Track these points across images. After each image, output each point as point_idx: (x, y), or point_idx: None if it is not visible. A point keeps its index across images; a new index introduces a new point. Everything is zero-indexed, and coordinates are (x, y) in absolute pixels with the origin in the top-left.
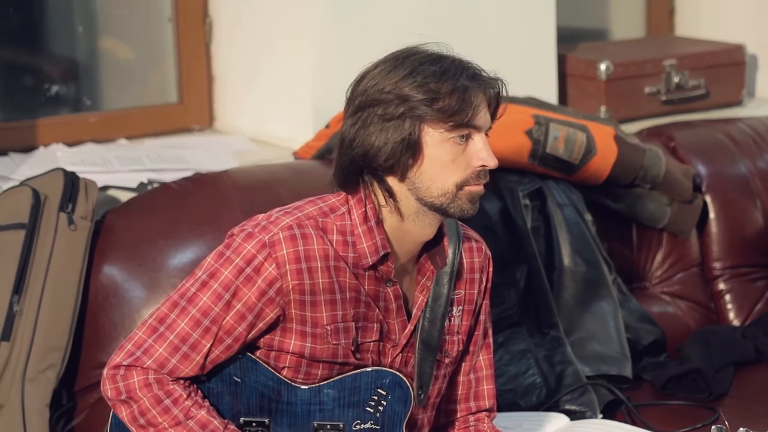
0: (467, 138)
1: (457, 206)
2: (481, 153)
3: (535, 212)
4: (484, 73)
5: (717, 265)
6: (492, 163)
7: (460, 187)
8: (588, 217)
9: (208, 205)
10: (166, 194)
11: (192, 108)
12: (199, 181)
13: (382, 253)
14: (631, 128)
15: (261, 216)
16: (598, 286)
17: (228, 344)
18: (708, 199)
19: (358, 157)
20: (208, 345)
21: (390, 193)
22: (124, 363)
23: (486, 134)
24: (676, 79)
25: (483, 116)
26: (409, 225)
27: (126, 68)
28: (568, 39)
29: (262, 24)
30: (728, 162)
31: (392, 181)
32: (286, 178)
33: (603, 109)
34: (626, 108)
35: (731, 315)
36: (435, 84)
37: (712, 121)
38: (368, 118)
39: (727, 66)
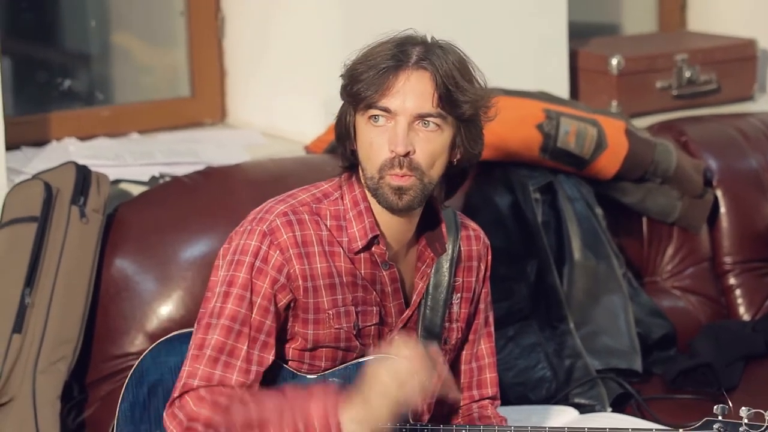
0: (386, 121)
1: (382, 195)
2: (391, 138)
3: (546, 206)
4: (426, 58)
5: (727, 259)
6: (399, 149)
7: (381, 174)
8: (598, 211)
9: (220, 198)
10: (178, 188)
11: (204, 102)
12: (211, 175)
13: (370, 235)
14: (642, 123)
15: (255, 210)
16: (609, 280)
17: (264, 341)
18: (719, 193)
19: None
20: (245, 348)
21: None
22: (176, 395)
23: (429, 121)
24: (687, 74)
25: (400, 99)
26: None
27: (138, 62)
28: (579, 34)
29: (274, 19)
30: (739, 157)
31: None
32: (298, 172)
33: (614, 103)
34: (637, 103)
35: (741, 309)
36: (360, 67)
37: (723, 116)
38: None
39: (738, 61)
